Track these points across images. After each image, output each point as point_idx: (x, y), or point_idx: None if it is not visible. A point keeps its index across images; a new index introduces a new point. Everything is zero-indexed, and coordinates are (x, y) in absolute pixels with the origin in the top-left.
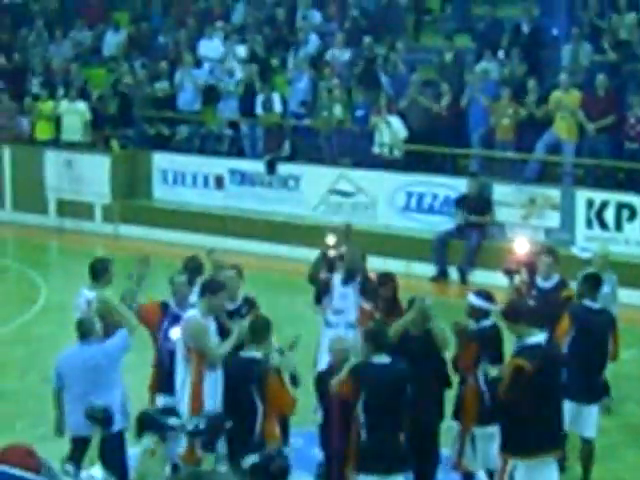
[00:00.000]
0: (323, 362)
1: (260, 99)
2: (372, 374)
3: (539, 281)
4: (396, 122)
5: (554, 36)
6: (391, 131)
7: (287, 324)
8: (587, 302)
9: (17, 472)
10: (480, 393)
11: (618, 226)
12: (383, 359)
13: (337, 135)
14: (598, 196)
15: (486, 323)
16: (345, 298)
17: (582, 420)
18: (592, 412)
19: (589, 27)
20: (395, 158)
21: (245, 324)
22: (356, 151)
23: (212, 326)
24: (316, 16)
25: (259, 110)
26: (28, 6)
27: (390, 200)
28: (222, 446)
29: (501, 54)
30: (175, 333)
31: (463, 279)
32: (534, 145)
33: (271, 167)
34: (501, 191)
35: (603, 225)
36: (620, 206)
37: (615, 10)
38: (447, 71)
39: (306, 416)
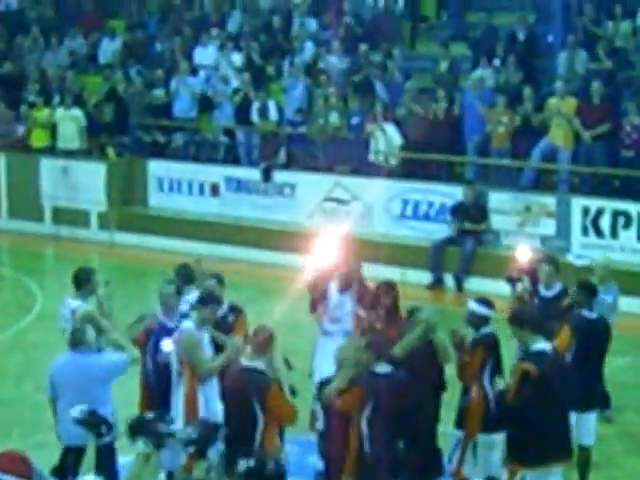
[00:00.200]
0: (322, 370)
1: (256, 107)
2: (377, 384)
3: (541, 289)
4: (392, 130)
5: (550, 44)
6: (387, 139)
7: (282, 332)
8: (584, 312)
9: (9, 479)
10: (486, 400)
11: (614, 234)
12: (384, 368)
13: (333, 143)
14: (594, 204)
15: (486, 330)
16: (342, 307)
17: (580, 428)
18: (589, 419)
19: (584, 34)
20: (391, 166)
21: (239, 339)
22: (352, 159)
23: (206, 338)
24: (312, 24)
25: (255, 118)
26: (24, 14)
27: (386, 208)
28: (214, 454)
29: (497, 62)
30: (167, 345)
31: (459, 287)
32: (530, 153)
33: (267, 175)
34: (497, 199)
35: (599, 233)
36: (616, 214)
37: (610, 18)
38: (443, 79)
39: (301, 424)
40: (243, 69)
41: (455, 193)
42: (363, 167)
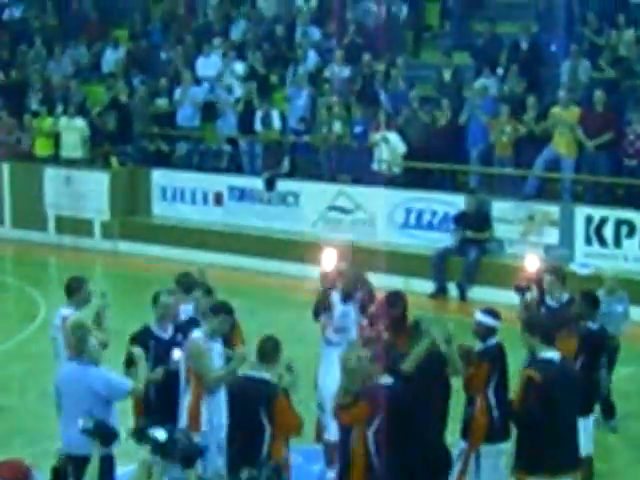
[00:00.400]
0: (327, 381)
1: (259, 116)
2: (384, 396)
3: (547, 299)
4: (395, 138)
5: (553, 53)
6: (390, 147)
7: (286, 341)
8: (588, 323)
9: None
10: (490, 411)
11: (617, 242)
12: (387, 379)
13: (336, 151)
14: (597, 212)
15: (492, 341)
16: (346, 316)
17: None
18: (587, 427)
19: (588, 44)
20: (394, 174)
21: (244, 351)
22: (355, 168)
23: (216, 348)
24: (315, 33)
25: (258, 127)
26: (27, 23)
27: (389, 217)
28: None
29: (500, 71)
30: (177, 354)
31: (462, 296)
32: (533, 161)
33: (270, 184)
34: (500, 207)
35: (602, 241)
36: (619, 222)
37: (614, 27)
38: (446, 88)
39: (305, 433)
40: (246, 78)
41: (458, 202)
42: (366, 176)
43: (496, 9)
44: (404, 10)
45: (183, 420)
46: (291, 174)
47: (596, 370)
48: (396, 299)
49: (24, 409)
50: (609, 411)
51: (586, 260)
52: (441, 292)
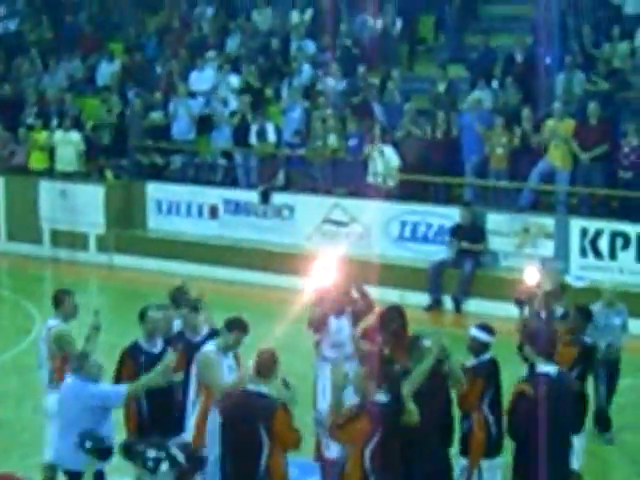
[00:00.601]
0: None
1: (254, 129)
2: (384, 413)
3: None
4: (390, 151)
5: (547, 65)
6: (385, 160)
7: (282, 354)
8: (583, 337)
9: None
10: (487, 426)
11: (612, 255)
12: (382, 397)
13: (331, 165)
14: (592, 225)
15: (486, 357)
16: (341, 331)
17: None
18: (580, 442)
19: (582, 56)
20: (389, 187)
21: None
22: (350, 180)
23: (227, 363)
24: (310, 46)
25: (253, 140)
26: (23, 36)
27: (384, 229)
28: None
29: (495, 83)
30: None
31: (458, 308)
32: (528, 174)
33: (265, 197)
34: (495, 220)
35: (597, 254)
36: (614, 235)
37: (608, 39)
38: (441, 100)
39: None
40: (241, 91)
41: (453, 215)
42: (361, 189)
43: (490, 22)
44: (399, 23)
45: (189, 433)
46: (286, 187)
47: (585, 383)
48: (395, 313)
49: (21, 422)
50: (605, 424)
51: (581, 272)
52: (436, 305)
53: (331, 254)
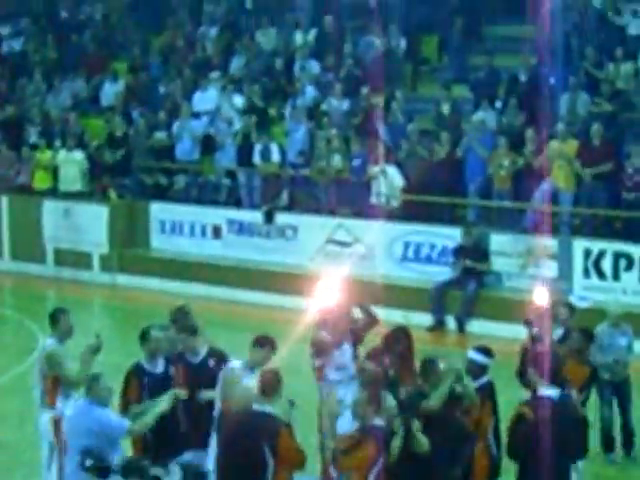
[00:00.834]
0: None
1: (258, 149)
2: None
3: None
4: (393, 172)
5: (551, 86)
6: (388, 181)
7: (285, 374)
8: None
9: None
10: (489, 450)
11: (615, 276)
12: (379, 422)
13: (335, 185)
14: (595, 245)
15: (484, 380)
16: (344, 353)
17: None
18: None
19: (586, 76)
20: (393, 208)
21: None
22: (354, 201)
23: (252, 380)
24: (314, 66)
25: (257, 160)
26: (27, 56)
27: (388, 250)
28: None
29: (498, 104)
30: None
31: (461, 329)
32: (531, 194)
33: (269, 217)
34: (498, 241)
35: (600, 274)
36: (617, 255)
37: (612, 60)
38: (444, 121)
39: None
40: (245, 111)
41: (457, 235)
42: (365, 209)
43: (494, 42)
44: (402, 43)
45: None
46: (290, 207)
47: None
48: (401, 334)
49: (23, 442)
50: (610, 444)
51: (585, 293)
52: (439, 325)
53: (334, 274)
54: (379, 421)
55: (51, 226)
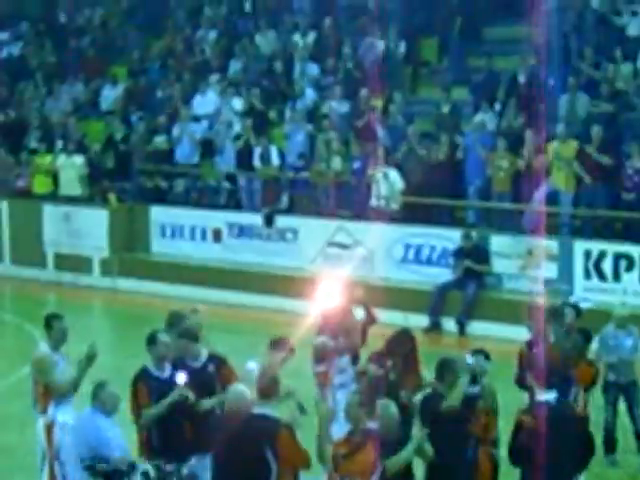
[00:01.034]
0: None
1: (258, 152)
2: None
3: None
4: (393, 174)
5: (551, 87)
6: (389, 183)
7: (286, 377)
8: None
9: None
10: (491, 454)
11: (616, 276)
12: (374, 425)
13: (335, 187)
14: (596, 247)
15: (482, 383)
16: (342, 356)
17: None
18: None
19: (585, 78)
20: (393, 210)
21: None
22: (354, 203)
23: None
24: (313, 69)
25: (257, 163)
26: (26, 60)
27: (388, 252)
28: None
29: (498, 105)
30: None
31: (461, 331)
32: (531, 196)
33: (269, 220)
34: (498, 242)
35: (601, 275)
36: (618, 256)
37: (611, 61)
38: (444, 123)
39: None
40: (245, 114)
41: (457, 237)
42: (365, 212)
43: (493, 44)
44: (402, 46)
45: None
46: (290, 210)
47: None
48: (405, 337)
49: (25, 446)
50: (611, 446)
51: (585, 294)
52: (435, 327)
53: (335, 277)
54: (373, 424)
55: (51, 230)
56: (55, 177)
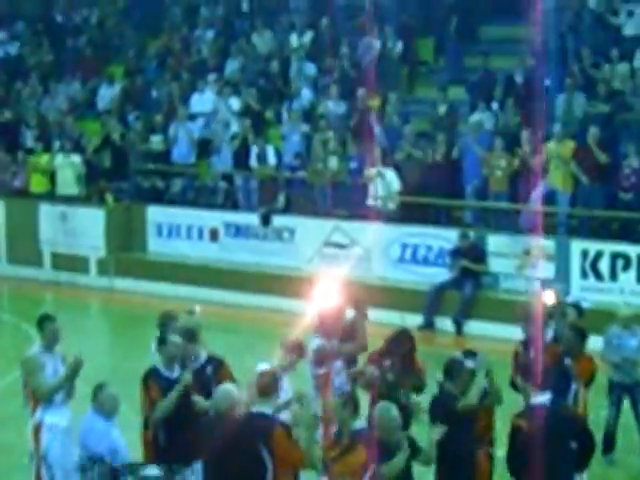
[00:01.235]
0: None
1: (254, 152)
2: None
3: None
4: (390, 174)
5: (548, 87)
6: (385, 183)
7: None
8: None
9: None
10: (490, 455)
11: (613, 276)
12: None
13: (332, 187)
14: (593, 246)
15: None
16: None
17: None
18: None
19: (582, 77)
20: (390, 210)
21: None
22: (351, 203)
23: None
24: (310, 69)
25: (253, 163)
26: (23, 60)
27: (385, 252)
28: None
29: (495, 105)
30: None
31: (458, 330)
32: (528, 196)
33: (266, 219)
34: (495, 242)
35: (598, 275)
36: (615, 256)
37: (608, 60)
38: (441, 123)
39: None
40: (241, 114)
41: (454, 237)
42: (362, 211)
43: (490, 44)
44: (398, 45)
45: None
46: (287, 210)
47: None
48: (405, 337)
49: (22, 446)
50: (610, 445)
51: (582, 294)
52: (429, 326)
53: (331, 277)
54: (360, 424)
55: (48, 230)
56: (52, 176)
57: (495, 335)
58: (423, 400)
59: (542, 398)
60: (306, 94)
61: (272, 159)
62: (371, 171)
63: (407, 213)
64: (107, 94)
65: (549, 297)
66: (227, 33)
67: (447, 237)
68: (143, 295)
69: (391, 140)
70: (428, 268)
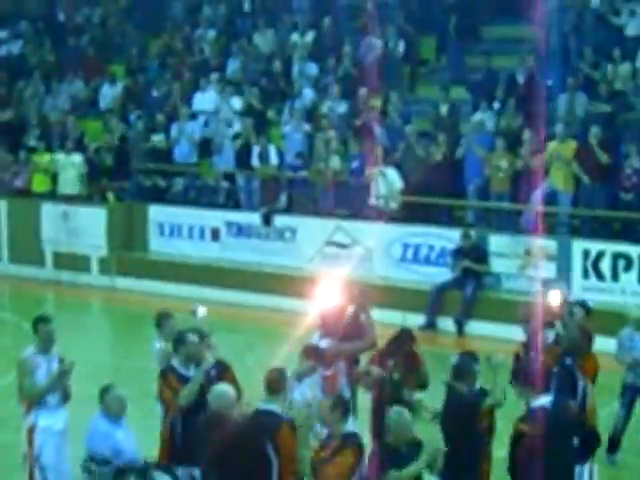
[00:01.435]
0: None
1: (256, 151)
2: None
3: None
4: (392, 174)
5: (549, 87)
6: (387, 183)
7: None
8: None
9: None
10: (489, 456)
11: (614, 276)
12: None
13: (333, 187)
14: (594, 246)
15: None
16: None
17: None
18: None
19: (584, 77)
20: (391, 209)
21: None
22: (352, 203)
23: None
24: (312, 68)
25: (255, 162)
26: (25, 59)
27: (387, 251)
28: None
29: (496, 105)
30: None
31: (460, 330)
32: (530, 196)
33: (267, 219)
34: (497, 242)
35: (599, 275)
36: (616, 256)
37: (610, 61)
38: (443, 122)
39: None
40: (243, 114)
41: (455, 237)
42: (364, 211)
43: (492, 43)
44: (400, 45)
45: None
46: (288, 209)
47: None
48: (407, 336)
49: (22, 445)
50: (614, 445)
51: (584, 294)
52: (430, 326)
53: (333, 276)
54: (351, 427)
55: (50, 229)
56: (54, 176)
57: (497, 335)
58: (424, 398)
59: (543, 400)
60: (308, 94)
61: (274, 159)
62: (373, 171)
63: (409, 213)
64: (109, 93)
65: (555, 297)
66: (229, 32)
67: (449, 237)
68: (144, 294)
69: (393, 139)
70: (430, 268)
